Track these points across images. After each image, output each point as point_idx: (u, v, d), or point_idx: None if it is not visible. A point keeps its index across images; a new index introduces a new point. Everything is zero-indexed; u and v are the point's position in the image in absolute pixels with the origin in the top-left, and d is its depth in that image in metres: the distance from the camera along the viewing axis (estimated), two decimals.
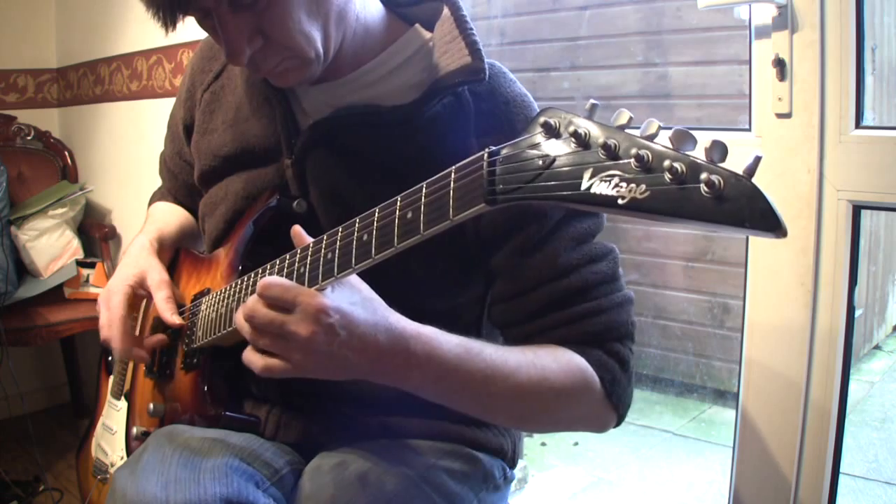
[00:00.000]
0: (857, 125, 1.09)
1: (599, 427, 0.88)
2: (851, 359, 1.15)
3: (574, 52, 3.22)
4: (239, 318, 0.74)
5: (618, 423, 0.88)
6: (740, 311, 1.25)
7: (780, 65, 1.12)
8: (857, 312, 1.18)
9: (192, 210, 1.18)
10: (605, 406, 0.84)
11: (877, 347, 3.01)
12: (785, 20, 1.10)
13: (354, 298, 0.73)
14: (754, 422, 1.22)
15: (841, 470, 1.17)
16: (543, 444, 2.63)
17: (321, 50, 0.84)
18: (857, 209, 1.11)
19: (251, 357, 0.74)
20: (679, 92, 3.03)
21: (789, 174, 1.13)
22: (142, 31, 2.28)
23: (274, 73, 0.86)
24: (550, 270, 0.85)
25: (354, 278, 0.75)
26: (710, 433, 2.83)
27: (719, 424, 2.86)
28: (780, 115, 1.13)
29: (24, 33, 2.70)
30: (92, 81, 2.56)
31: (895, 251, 3.04)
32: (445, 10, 0.91)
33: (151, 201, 1.26)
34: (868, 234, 2.77)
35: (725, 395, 2.98)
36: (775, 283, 1.17)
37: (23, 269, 2.37)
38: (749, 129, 1.18)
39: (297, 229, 0.81)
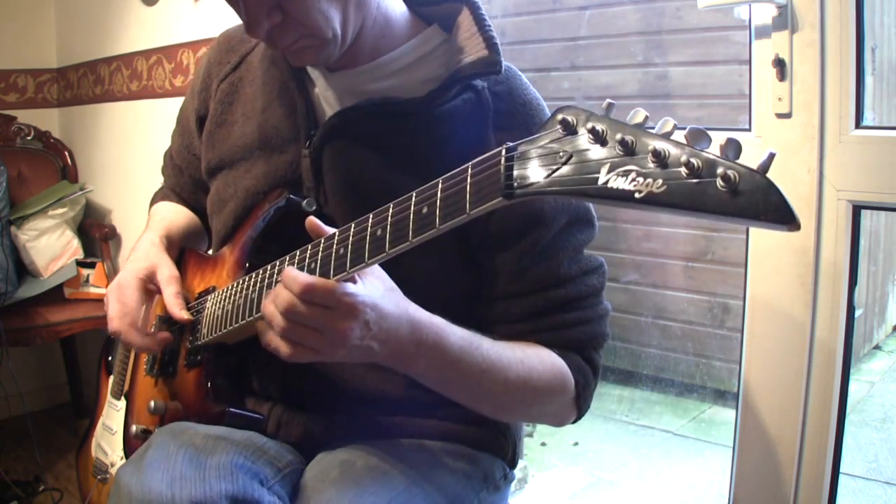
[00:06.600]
0: (857, 125, 1.09)
1: (559, 423, 0.96)
2: (851, 359, 1.16)
3: (574, 52, 3.22)
4: (271, 311, 0.74)
5: (575, 422, 0.96)
6: (740, 311, 1.26)
7: (780, 65, 1.12)
8: (857, 312, 1.18)
9: (196, 209, 1.19)
10: (572, 406, 0.92)
11: (877, 347, 3.01)
12: (785, 20, 1.11)
13: (381, 291, 0.75)
14: (754, 422, 1.22)
15: (841, 470, 1.18)
16: (543, 444, 2.63)
17: (339, 31, 0.86)
18: (857, 209, 1.11)
19: (278, 343, 0.74)
20: (679, 92, 3.03)
21: (789, 174, 1.13)
22: (142, 31, 2.28)
23: (290, 51, 0.88)
24: (552, 279, 0.90)
25: (376, 268, 0.76)
26: (710, 433, 2.83)
27: (719, 424, 2.86)
28: (780, 115, 1.13)
29: (24, 33, 2.70)
30: (92, 81, 2.56)
31: (895, 251, 3.04)
32: (465, 10, 0.94)
33: (153, 201, 1.25)
34: (868, 234, 2.77)
35: (725, 395, 2.98)
36: (775, 284, 1.17)
37: (23, 269, 2.37)
38: (749, 129, 1.18)
39: (313, 221, 0.79)
